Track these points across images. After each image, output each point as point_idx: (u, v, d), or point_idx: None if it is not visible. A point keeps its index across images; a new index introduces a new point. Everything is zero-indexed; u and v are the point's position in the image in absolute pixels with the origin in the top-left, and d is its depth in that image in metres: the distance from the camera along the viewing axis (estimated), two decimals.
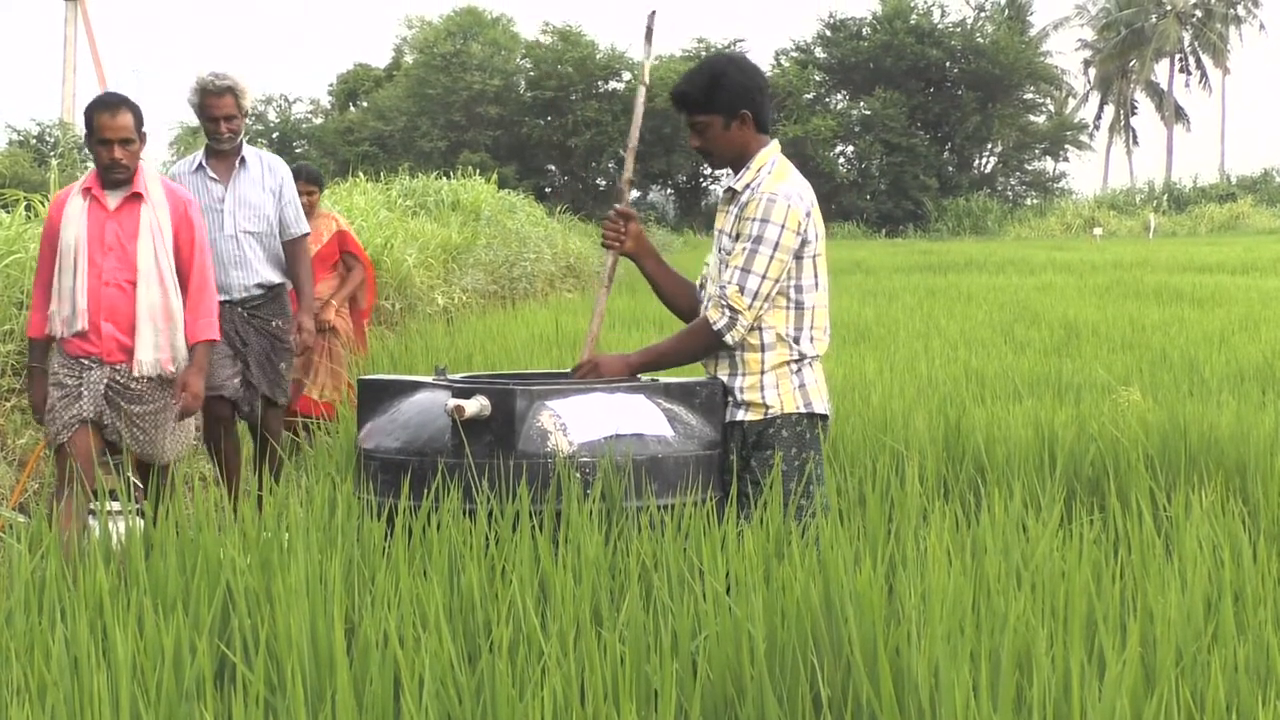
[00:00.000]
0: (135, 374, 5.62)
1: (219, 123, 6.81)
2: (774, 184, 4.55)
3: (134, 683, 3.00)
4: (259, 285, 6.90)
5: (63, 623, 3.28)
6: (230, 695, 3.07)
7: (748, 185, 4.60)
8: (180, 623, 3.17)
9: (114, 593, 3.45)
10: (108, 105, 5.68)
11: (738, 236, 4.55)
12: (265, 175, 6.97)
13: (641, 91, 4.88)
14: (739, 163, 4.64)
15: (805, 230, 4.53)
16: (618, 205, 4.83)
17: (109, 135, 5.61)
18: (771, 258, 4.48)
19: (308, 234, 7.18)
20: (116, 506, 5.35)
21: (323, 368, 8.47)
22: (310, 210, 8.34)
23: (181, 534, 3.74)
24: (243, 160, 6.93)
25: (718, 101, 4.58)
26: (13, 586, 3.50)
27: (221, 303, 6.47)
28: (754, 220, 4.50)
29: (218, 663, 3.29)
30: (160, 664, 3.04)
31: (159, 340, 5.65)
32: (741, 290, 4.47)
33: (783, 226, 4.49)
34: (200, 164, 6.92)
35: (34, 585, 3.53)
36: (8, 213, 9.78)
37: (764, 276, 4.48)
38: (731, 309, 4.48)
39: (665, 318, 9.51)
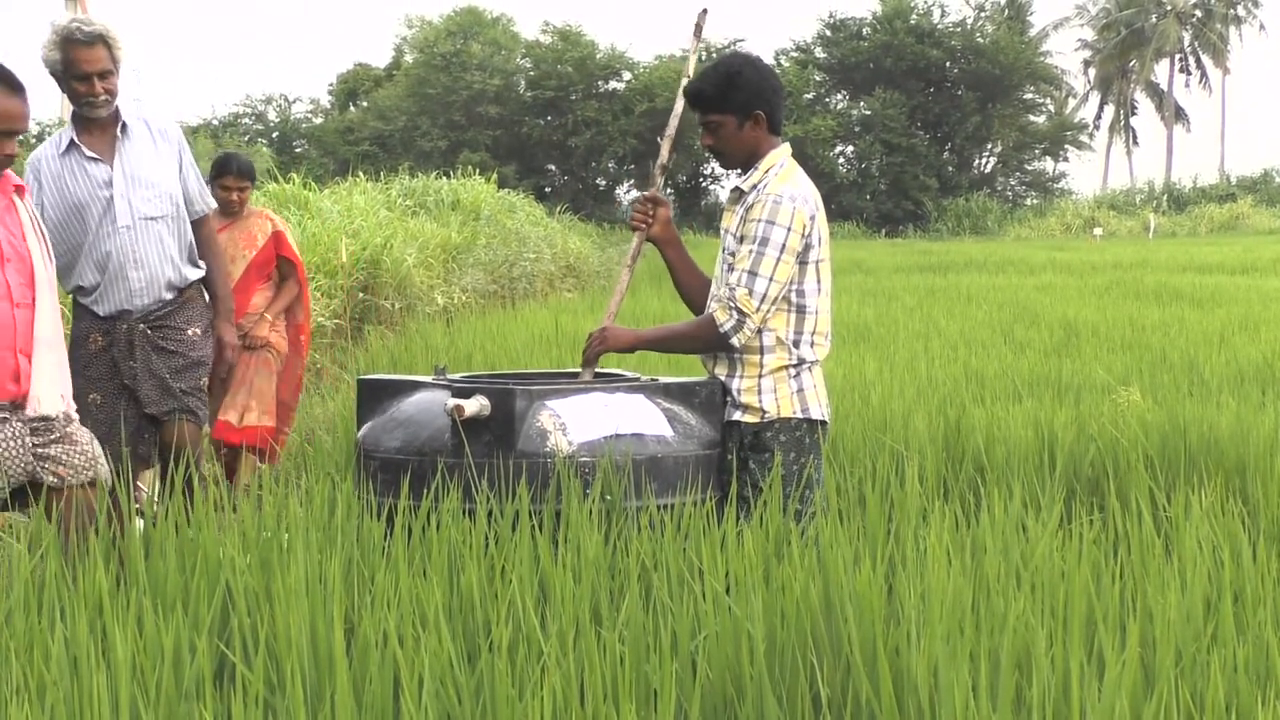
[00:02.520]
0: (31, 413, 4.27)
1: (91, 81, 5.36)
2: (780, 185, 4.55)
3: (133, 682, 3.00)
4: (170, 287, 5.52)
5: (62, 622, 3.28)
6: (230, 695, 3.07)
7: (755, 186, 4.59)
8: (180, 622, 3.17)
9: (113, 593, 3.45)
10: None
11: (743, 238, 4.55)
12: (157, 141, 5.55)
13: (685, 84, 4.88)
14: (749, 163, 4.63)
15: (810, 234, 4.53)
16: (649, 192, 4.86)
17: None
18: (778, 260, 4.48)
19: (214, 210, 5.87)
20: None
21: (244, 387, 7.15)
22: (241, 208, 7.33)
23: (181, 533, 3.74)
24: (124, 128, 5.48)
25: (732, 101, 4.57)
26: (12, 586, 3.50)
27: (108, 319, 5.46)
28: (760, 221, 4.50)
29: (217, 662, 3.29)
30: (160, 664, 3.04)
31: (61, 373, 4.39)
32: (750, 293, 4.48)
33: (788, 229, 4.49)
34: (71, 142, 5.46)
35: (33, 585, 3.53)
36: None
37: (771, 279, 4.48)
38: (740, 312, 4.48)
39: (667, 318, 9.51)
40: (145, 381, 5.40)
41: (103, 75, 5.36)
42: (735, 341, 4.51)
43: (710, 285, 4.82)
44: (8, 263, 4.24)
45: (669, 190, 62.46)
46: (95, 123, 5.45)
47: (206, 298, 5.68)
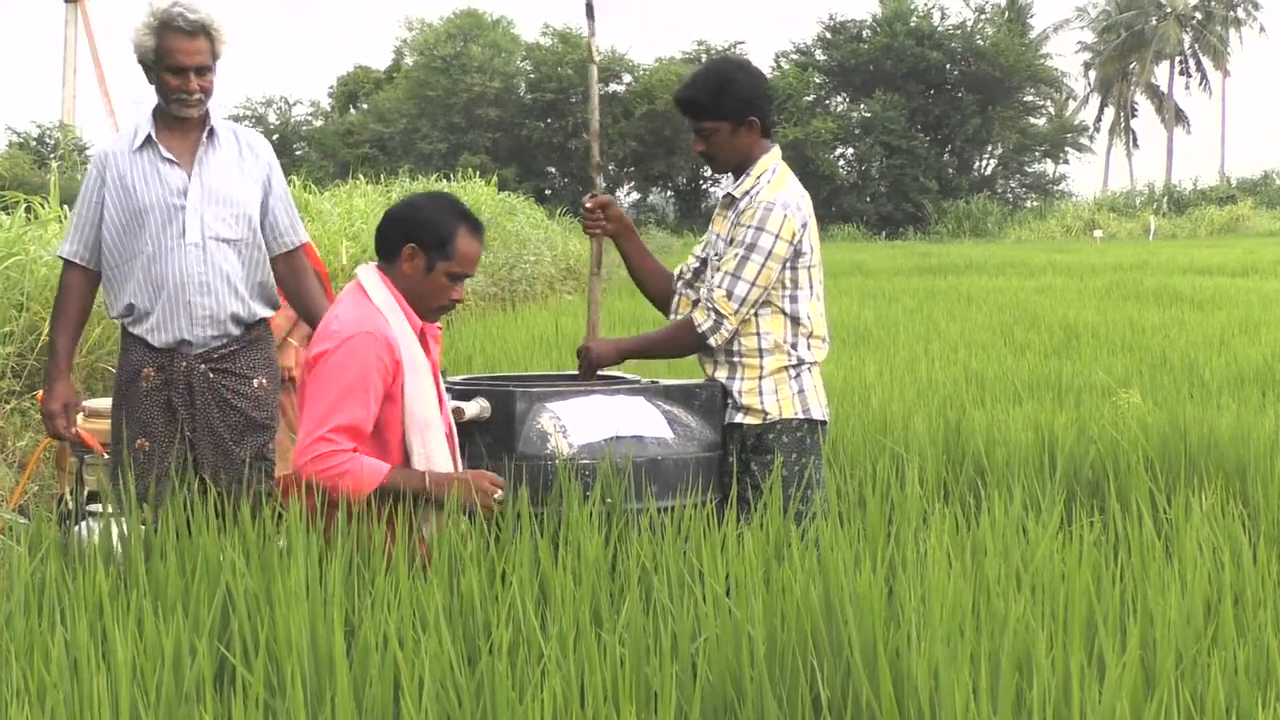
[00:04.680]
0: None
1: (187, 76, 4.67)
2: (772, 192, 4.55)
3: (134, 685, 3.00)
4: (236, 321, 4.74)
5: (62, 625, 3.28)
6: (230, 697, 3.07)
7: (747, 192, 4.59)
8: (180, 625, 3.17)
9: (114, 595, 3.45)
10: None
11: (731, 240, 4.55)
12: (244, 155, 4.83)
13: (593, 70, 4.86)
14: (741, 168, 4.63)
15: (800, 241, 4.54)
16: (594, 194, 4.83)
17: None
18: (762, 266, 4.49)
19: (306, 243, 5.01)
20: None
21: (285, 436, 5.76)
22: None
23: (181, 536, 3.74)
24: (211, 133, 4.78)
25: (725, 107, 4.56)
26: (13, 588, 3.49)
27: (164, 352, 4.71)
28: (749, 227, 4.51)
29: (217, 665, 3.29)
30: (160, 666, 3.04)
31: None
32: (729, 295, 4.49)
33: (777, 236, 4.49)
34: (149, 138, 4.75)
35: (34, 587, 3.53)
36: (8, 215, 9.79)
37: (753, 283, 4.49)
38: (717, 313, 4.51)
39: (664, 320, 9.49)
40: (204, 438, 4.68)
41: (200, 71, 4.67)
42: (712, 342, 4.53)
43: (668, 275, 4.89)
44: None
45: (669, 193, 62.49)
46: (178, 122, 4.74)
47: (276, 343, 5.03)
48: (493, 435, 4.23)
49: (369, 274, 4.15)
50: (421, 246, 4.09)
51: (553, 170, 61.34)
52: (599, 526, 3.82)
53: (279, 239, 4.86)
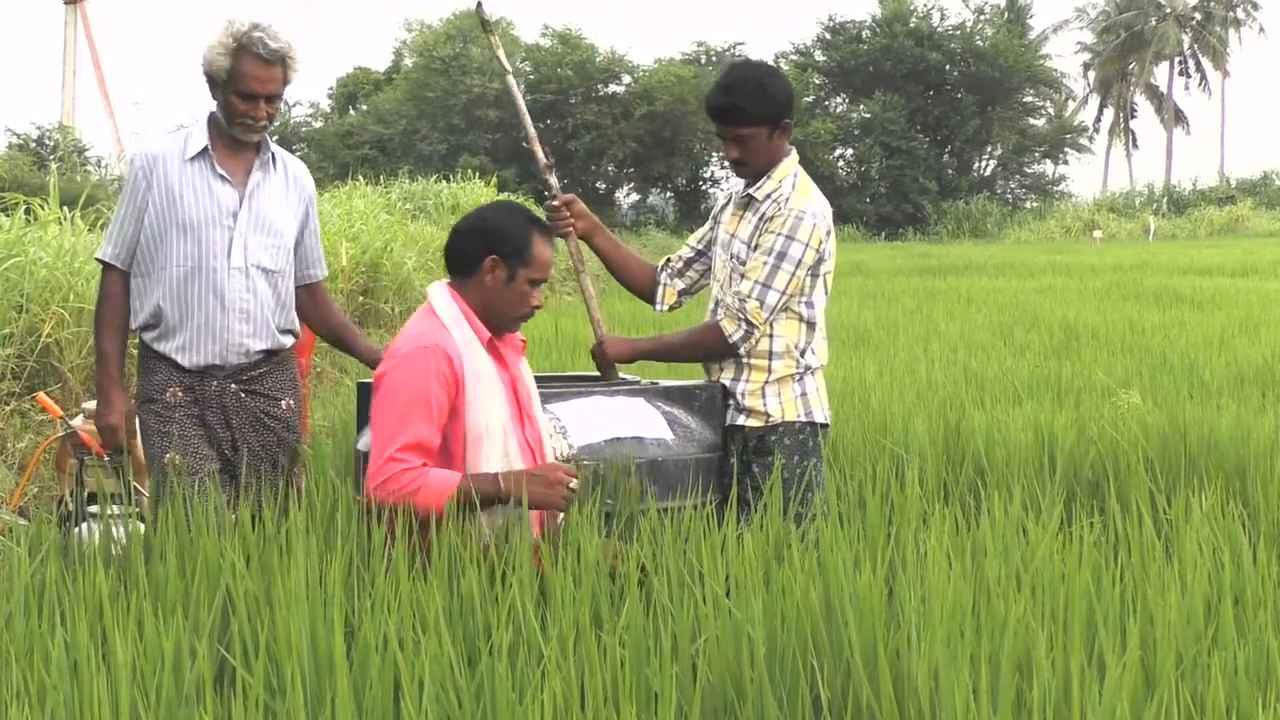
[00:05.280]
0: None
1: (257, 103, 4.57)
2: (801, 200, 4.54)
3: (134, 686, 3.00)
4: (265, 350, 4.69)
5: (62, 626, 3.28)
6: (230, 699, 3.07)
7: (769, 196, 4.58)
8: (180, 626, 3.17)
9: (114, 596, 3.45)
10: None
11: (757, 247, 4.54)
12: (290, 186, 4.76)
13: (510, 79, 4.86)
14: (765, 171, 4.61)
15: (823, 249, 4.56)
16: (555, 194, 4.83)
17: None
18: (792, 275, 4.50)
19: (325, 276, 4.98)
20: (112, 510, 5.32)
21: None
22: None
23: (181, 537, 3.74)
24: (272, 159, 4.72)
25: (767, 113, 4.53)
26: (13, 590, 3.49)
27: (193, 373, 4.61)
28: (779, 235, 4.50)
29: (217, 666, 3.29)
30: (160, 668, 3.04)
31: None
32: (761, 305, 4.49)
33: (806, 245, 4.51)
34: (206, 150, 4.62)
35: (34, 589, 3.53)
36: (7, 216, 9.78)
37: (783, 292, 4.50)
38: (749, 323, 4.51)
39: (665, 321, 9.49)
40: (245, 458, 4.63)
41: (270, 98, 4.59)
42: (742, 350, 4.55)
43: (643, 263, 4.92)
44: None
45: (669, 194, 62.46)
46: (234, 139, 4.63)
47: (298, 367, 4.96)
48: None
49: (439, 291, 4.09)
50: (502, 257, 4.04)
51: None
52: (599, 528, 3.82)
53: (305, 270, 4.83)
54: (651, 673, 3.03)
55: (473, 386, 3.95)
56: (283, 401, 4.71)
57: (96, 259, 4.69)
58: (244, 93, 4.54)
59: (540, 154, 4.85)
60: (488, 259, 4.04)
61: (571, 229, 4.81)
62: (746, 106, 4.52)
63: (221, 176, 4.58)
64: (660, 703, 2.89)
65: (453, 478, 3.84)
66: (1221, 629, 3.27)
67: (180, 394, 4.59)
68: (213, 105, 4.64)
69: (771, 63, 5.90)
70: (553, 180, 4.85)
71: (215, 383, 4.59)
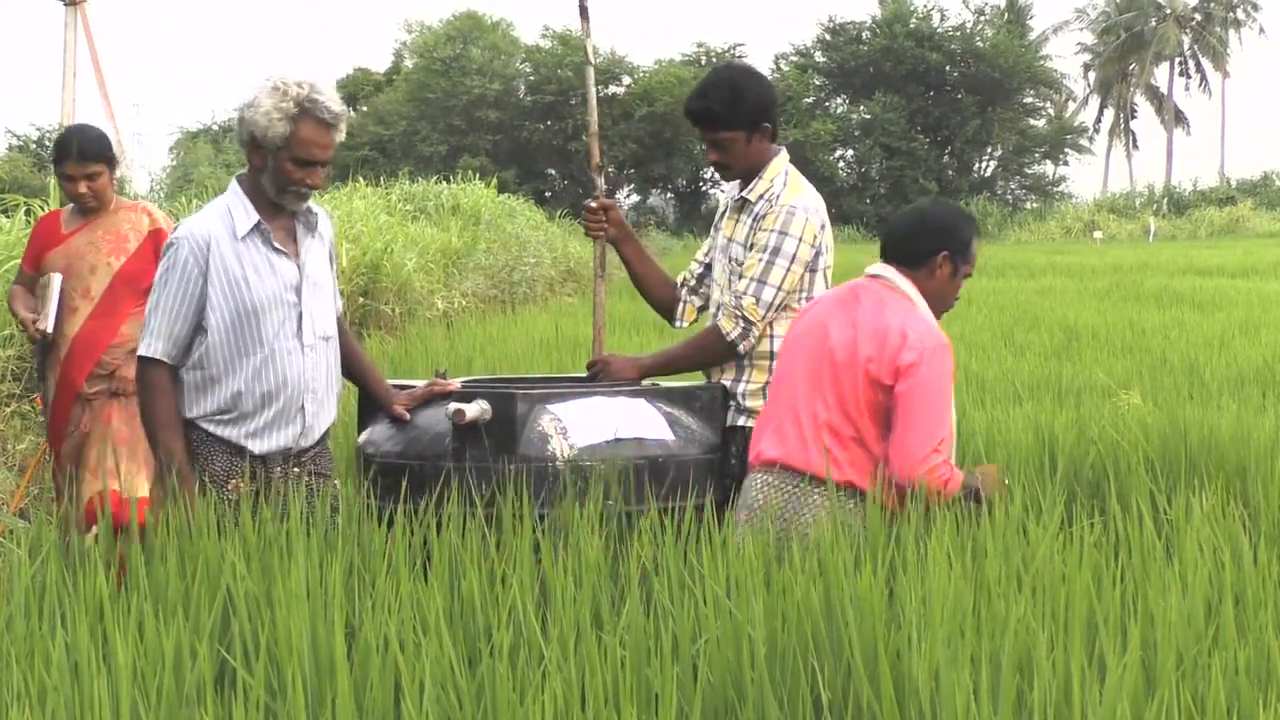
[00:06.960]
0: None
1: (315, 170, 4.26)
2: (792, 196, 4.55)
3: (134, 687, 3.00)
4: (326, 429, 4.44)
5: (63, 628, 3.28)
6: (230, 700, 3.07)
7: (761, 196, 4.59)
8: (180, 627, 3.17)
9: (114, 598, 3.45)
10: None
11: (752, 246, 4.55)
12: (323, 241, 4.45)
13: (589, 72, 4.86)
14: (752, 174, 4.63)
15: (819, 243, 4.56)
16: (597, 195, 4.84)
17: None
18: (788, 270, 4.50)
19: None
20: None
21: (123, 446, 5.55)
22: (101, 198, 5.72)
23: (181, 538, 3.74)
24: (310, 213, 4.38)
25: (741, 117, 4.56)
26: (13, 591, 3.49)
27: (259, 459, 4.29)
28: (772, 232, 4.51)
29: (218, 667, 3.29)
30: (160, 669, 3.04)
31: None
32: (757, 301, 4.49)
33: (800, 239, 4.51)
34: (259, 226, 4.28)
35: (34, 590, 3.53)
36: (8, 218, 9.79)
37: (779, 288, 4.50)
38: (746, 320, 4.50)
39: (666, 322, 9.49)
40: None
41: (324, 164, 4.28)
42: (741, 349, 4.54)
43: (667, 278, 4.91)
44: None
45: (669, 195, 62.49)
46: (274, 204, 4.29)
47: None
48: (493, 437, 4.23)
49: (905, 280, 4.27)
50: (951, 254, 4.25)
51: (552, 172, 61.33)
52: (599, 528, 3.82)
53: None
54: (652, 673, 3.03)
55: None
56: (335, 481, 4.43)
57: (143, 356, 4.26)
58: (303, 159, 4.21)
59: (595, 151, 4.87)
60: (940, 255, 4.26)
61: (602, 234, 4.81)
62: (720, 111, 4.56)
63: (279, 250, 4.28)
64: (661, 703, 2.89)
65: (960, 475, 4.15)
66: (1222, 629, 3.27)
67: (243, 487, 4.24)
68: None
69: (771, 64, 5.89)
70: (598, 180, 4.88)
71: (279, 468, 4.28)
